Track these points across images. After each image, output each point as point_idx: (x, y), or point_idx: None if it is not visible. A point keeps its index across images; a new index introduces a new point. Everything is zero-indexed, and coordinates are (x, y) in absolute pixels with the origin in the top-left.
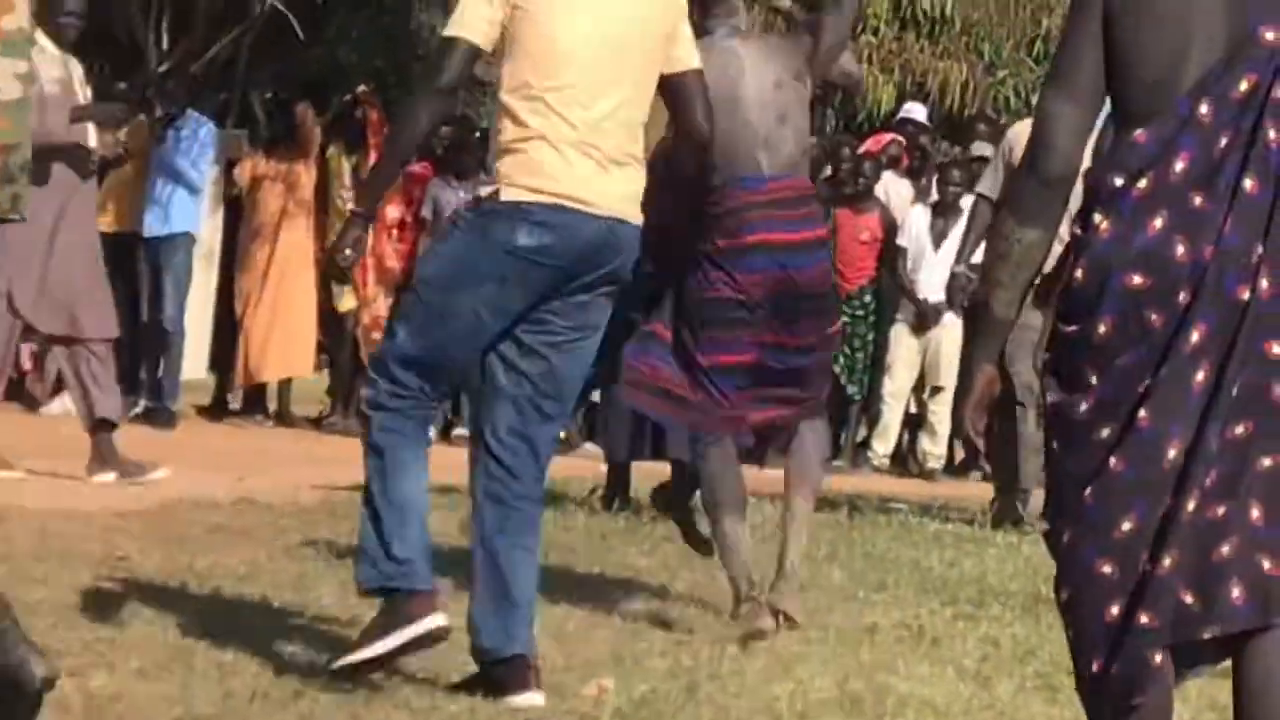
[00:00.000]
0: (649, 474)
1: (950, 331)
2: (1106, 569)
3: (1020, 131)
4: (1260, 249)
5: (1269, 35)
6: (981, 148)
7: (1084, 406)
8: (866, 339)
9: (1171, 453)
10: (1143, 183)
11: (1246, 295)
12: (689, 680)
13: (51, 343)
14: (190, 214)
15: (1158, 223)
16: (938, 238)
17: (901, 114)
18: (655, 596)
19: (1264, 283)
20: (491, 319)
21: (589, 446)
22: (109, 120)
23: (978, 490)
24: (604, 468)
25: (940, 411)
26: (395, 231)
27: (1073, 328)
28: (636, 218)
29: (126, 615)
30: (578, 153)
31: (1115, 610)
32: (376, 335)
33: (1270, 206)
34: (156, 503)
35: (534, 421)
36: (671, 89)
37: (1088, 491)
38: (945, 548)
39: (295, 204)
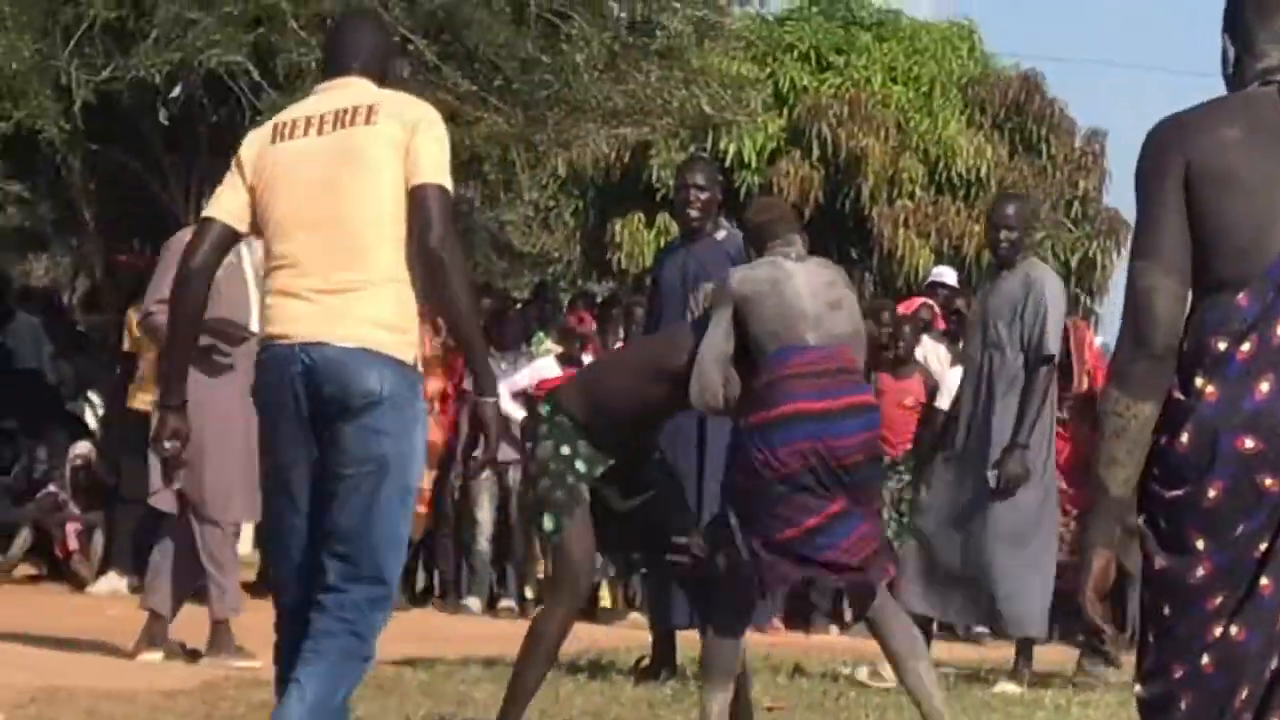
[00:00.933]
0: (694, 642)
1: None
2: None
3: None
4: None
5: None
6: None
7: (1200, 573)
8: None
9: None
10: (1246, 346)
11: None
12: None
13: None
14: None
15: (1264, 386)
16: None
17: (931, 277)
18: None
19: None
20: (274, 468)
21: (634, 615)
22: (229, 338)
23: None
24: (649, 637)
25: None
26: (436, 404)
27: (1177, 492)
28: (347, 340)
29: None
30: (284, 295)
31: None
32: (421, 509)
33: None
34: (201, 681)
35: (342, 577)
36: (408, 201)
37: (1206, 660)
38: (994, 711)
39: None
